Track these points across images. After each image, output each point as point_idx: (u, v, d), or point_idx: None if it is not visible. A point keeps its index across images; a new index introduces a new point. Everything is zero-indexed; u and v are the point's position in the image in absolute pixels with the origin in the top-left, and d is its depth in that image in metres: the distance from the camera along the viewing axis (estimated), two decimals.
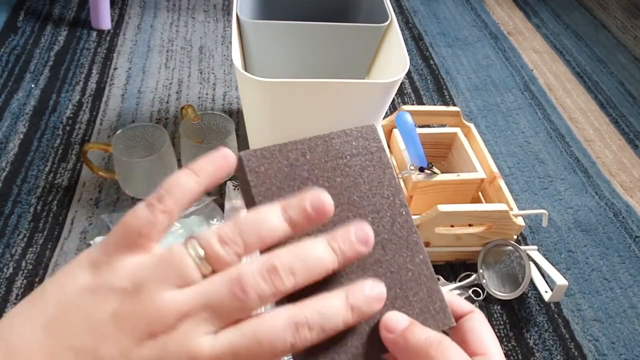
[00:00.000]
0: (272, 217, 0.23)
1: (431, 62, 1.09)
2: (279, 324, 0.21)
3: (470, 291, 0.66)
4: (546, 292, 0.63)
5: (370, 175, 0.29)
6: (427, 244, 0.67)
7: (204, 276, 0.22)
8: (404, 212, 0.29)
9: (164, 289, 0.21)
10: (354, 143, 0.29)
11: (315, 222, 0.23)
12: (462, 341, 0.26)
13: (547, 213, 0.67)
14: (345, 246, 0.23)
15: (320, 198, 0.23)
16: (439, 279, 0.67)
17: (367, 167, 0.29)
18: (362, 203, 0.28)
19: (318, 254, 0.22)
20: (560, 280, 0.60)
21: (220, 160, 0.24)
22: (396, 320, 0.25)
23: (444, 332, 0.27)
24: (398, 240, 0.28)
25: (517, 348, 0.63)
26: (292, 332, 0.21)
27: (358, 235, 0.23)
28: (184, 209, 0.24)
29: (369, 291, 0.23)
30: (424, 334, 0.24)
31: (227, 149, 0.25)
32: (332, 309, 0.22)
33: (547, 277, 0.67)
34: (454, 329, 0.28)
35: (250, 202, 0.27)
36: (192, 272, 0.21)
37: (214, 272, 0.22)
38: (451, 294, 0.28)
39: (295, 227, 0.23)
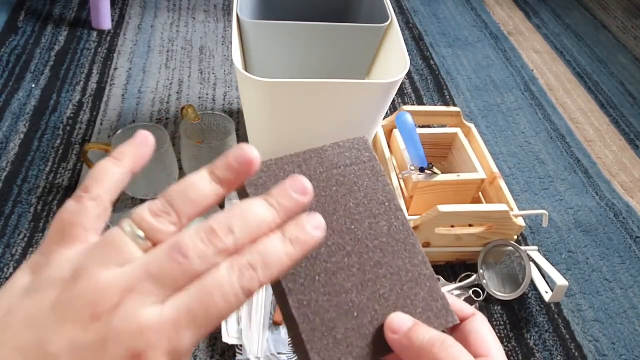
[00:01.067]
0: (199, 180, 0.23)
1: (431, 62, 1.09)
2: (223, 272, 0.20)
3: (470, 292, 0.66)
4: (547, 292, 0.63)
5: (364, 183, 0.30)
6: (427, 245, 0.67)
7: (145, 252, 0.21)
8: (400, 216, 0.30)
9: (104, 270, 0.20)
10: (346, 154, 0.31)
11: (243, 174, 0.23)
12: (465, 343, 0.26)
13: (547, 213, 0.67)
14: (283, 199, 0.23)
15: (243, 149, 0.23)
16: (439, 279, 0.67)
17: (361, 175, 0.30)
18: (359, 209, 0.29)
19: (255, 210, 0.22)
20: (560, 280, 0.60)
21: (139, 141, 0.24)
22: (400, 321, 0.26)
23: (448, 332, 0.27)
24: (396, 243, 0.29)
25: (517, 349, 0.63)
26: (238, 276, 0.20)
27: (295, 187, 0.23)
28: (115, 194, 0.24)
29: (306, 222, 0.23)
30: (427, 334, 0.25)
31: (145, 132, 0.25)
32: (271, 245, 0.22)
33: (547, 278, 0.67)
34: (456, 331, 0.28)
35: None
36: (130, 248, 0.21)
37: (154, 246, 0.21)
38: (453, 297, 0.29)
39: (224, 184, 0.23)
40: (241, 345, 0.56)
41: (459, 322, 0.28)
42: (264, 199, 0.23)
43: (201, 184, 0.23)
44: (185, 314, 0.20)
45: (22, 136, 0.80)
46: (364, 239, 0.28)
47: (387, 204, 0.30)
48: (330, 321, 0.26)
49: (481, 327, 0.27)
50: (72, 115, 0.85)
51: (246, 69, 0.76)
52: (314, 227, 0.23)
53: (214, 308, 0.20)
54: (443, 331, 0.26)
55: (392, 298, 0.27)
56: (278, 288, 0.26)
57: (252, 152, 0.23)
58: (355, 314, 0.26)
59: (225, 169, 0.23)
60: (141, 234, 0.21)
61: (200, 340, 0.21)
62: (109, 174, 0.23)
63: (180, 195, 0.22)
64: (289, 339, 0.58)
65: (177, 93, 0.92)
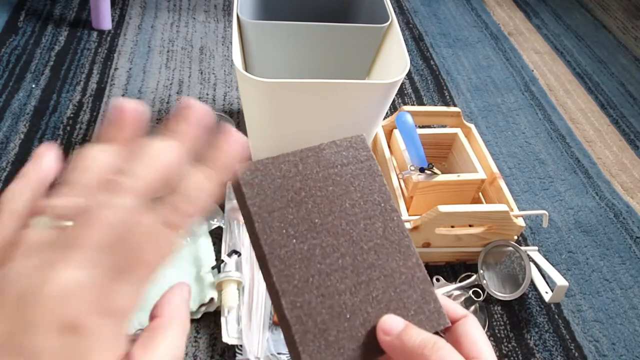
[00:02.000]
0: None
1: (432, 62, 1.09)
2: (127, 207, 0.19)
3: (470, 292, 0.66)
4: (546, 292, 0.63)
5: (361, 183, 0.30)
6: (427, 245, 0.67)
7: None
8: (395, 217, 0.29)
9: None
10: (344, 153, 0.30)
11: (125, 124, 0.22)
12: (456, 345, 0.27)
13: (547, 214, 0.67)
14: (183, 126, 0.22)
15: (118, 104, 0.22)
16: (438, 280, 0.67)
17: (358, 175, 0.30)
18: (354, 210, 0.29)
19: (155, 147, 0.21)
20: (560, 281, 0.60)
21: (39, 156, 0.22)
22: (392, 323, 0.26)
23: (440, 334, 0.27)
24: (390, 245, 0.29)
25: (517, 349, 0.62)
26: (155, 211, 0.20)
27: (195, 114, 0.22)
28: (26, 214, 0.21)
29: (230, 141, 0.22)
30: (419, 336, 0.25)
31: (46, 147, 0.23)
32: (184, 173, 0.21)
33: (547, 278, 0.67)
34: (448, 333, 0.28)
35: (246, 214, 0.28)
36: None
37: None
38: (445, 298, 0.29)
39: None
40: (241, 345, 0.56)
41: (450, 324, 0.28)
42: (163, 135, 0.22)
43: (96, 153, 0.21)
44: (107, 267, 0.18)
45: (22, 136, 0.80)
46: (358, 240, 0.28)
47: (382, 204, 0.30)
48: (323, 323, 0.26)
49: (472, 329, 0.27)
50: (72, 115, 0.85)
51: (246, 69, 0.76)
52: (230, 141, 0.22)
53: (137, 250, 0.19)
54: (435, 333, 0.26)
55: (385, 300, 0.27)
56: (272, 289, 0.26)
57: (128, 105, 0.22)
58: (348, 316, 0.26)
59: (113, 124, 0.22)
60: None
61: (145, 289, 0.20)
62: (17, 195, 0.21)
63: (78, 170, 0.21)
64: None
65: (177, 93, 0.92)
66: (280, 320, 0.27)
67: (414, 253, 0.29)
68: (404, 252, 0.29)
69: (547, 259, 0.67)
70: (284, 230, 0.27)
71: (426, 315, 0.28)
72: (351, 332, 0.26)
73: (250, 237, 0.28)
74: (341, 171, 0.30)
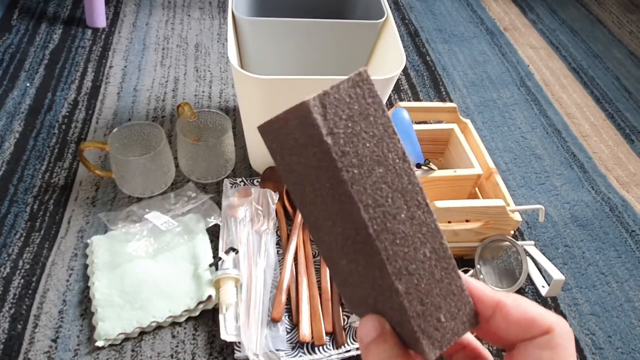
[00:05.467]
0: None
1: (427, 58, 1.09)
2: None
3: None
4: (543, 287, 0.63)
5: (374, 137, 0.23)
6: None
7: None
8: (418, 186, 0.24)
9: None
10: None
11: None
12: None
13: (543, 208, 0.68)
14: None
15: None
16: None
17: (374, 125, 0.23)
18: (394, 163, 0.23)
19: None
20: (557, 275, 0.60)
21: None
22: (366, 331, 0.23)
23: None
24: (415, 231, 0.24)
25: None
26: None
27: None
28: None
29: None
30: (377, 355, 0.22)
31: None
32: None
33: (544, 272, 0.67)
34: (511, 354, 0.22)
35: (314, 145, 0.22)
36: None
37: None
38: (527, 305, 0.23)
39: None
40: (239, 342, 0.56)
41: (479, 324, 0.23)
42: None
43: None
44: None
45: (17, 135, 0.80)
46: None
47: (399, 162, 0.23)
48: (429, 295, 0.23)
49: (543, 356, 0.21)
50: (67, 113, 0.85)
51: (242, 66, 0.76)
52: None
53: None
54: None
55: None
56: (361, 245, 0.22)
57: None
58: (440, 290, 0.23)
59: None
60: None
61: None
62: None
63: None
64: (293, 334, 0.58)
65: (173, 91, 0.91)
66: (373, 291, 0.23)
67: (443, 249, 0.24)
68: (432, 243, 0.24)
69: (543, 253, 0.67)
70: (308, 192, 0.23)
71: (452, 311, 0.24)
72: (362, 301, 0.24)
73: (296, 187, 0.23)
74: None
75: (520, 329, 0.21)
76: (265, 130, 0.25)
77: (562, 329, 0.20)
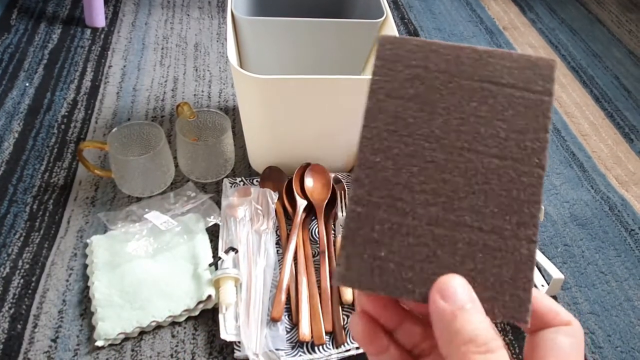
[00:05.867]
0: None
1: None
2: None
3: None
4: (543, 286, 0.63)
5: (516, 116, 0.23)
6: None
7: None
8: (535, 174, 0.23)
9: None
10: (515, 72, 0.24)
11: None
12: (532, 351, 0.22)
13: (543, 207, 0.68)
14: None
15: None
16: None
17: (518, 105, 0.23)
18: (488, 142, 0.23)
19: None
20: (556, 274, 0.61)
21: None
22: (458, 291, 0.21)
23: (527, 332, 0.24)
24: (509, 201, 0.23)
25: (514, 342, 0.63)
26: None
27: None
28: None
29: None
30: (477, 325, 0.20)
31: None
32: None
33: (543, 271, 0.67)
34: (534, 335, 0.23)
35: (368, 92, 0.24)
36: None
37: None
38: (550, 300, 0.24)
39: None
40: (239, 342, 0.56)
41: (527, 324, 0.22)
42: None
43: None
44: None
45: (16, 135, 0.80)
46: (472, 175, 0.23)
47: (529, 151, 0.23)
48: (381, 233, 0.23)
49: (562, 339, 0.22)
50: (66, 113, 0.85)
51: (241, 66, 0.76)
52: None
53: None
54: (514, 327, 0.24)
55: (465, 255, 0.22)
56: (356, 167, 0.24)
57: None
58: (411, 242, 0.23)
59: None
60: None
61: None
62: None
63: None
64: (292, 323, 0.58)
65: (172, 90, 0.91)
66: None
67: (533, 225, 0.22)
68: (521, 217, 0.22)
69: (543, 253, 0.67)
70: (394, 122, 0.23)
71: (503, 299, 0.22)
72: (403, 262, 0.22)
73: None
74: (499, 91, 0.24)
75: (545, 317, 0.23)
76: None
77: (578, 325, 0.23)
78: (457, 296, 0.21)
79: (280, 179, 0.73)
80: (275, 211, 0.70)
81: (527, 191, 0.23)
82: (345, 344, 0.57)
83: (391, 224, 0.23)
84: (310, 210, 0.71)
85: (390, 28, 0.70)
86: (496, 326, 0.64)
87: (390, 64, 0.24)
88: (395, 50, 0.24)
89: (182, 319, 0.59)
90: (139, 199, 0.72)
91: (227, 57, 0.88)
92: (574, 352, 0.21)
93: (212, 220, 0.68)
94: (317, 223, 0.69)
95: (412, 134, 0.23)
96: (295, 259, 0.65)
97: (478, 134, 0.23)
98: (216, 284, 0.60)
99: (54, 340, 0.57)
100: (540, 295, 0.23)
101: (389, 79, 0.24)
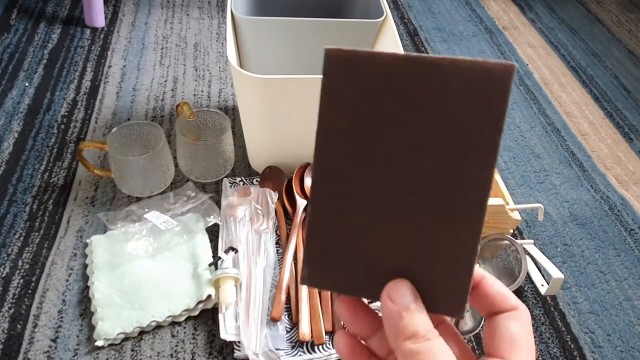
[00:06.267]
0: None
1: None
2: None
3: None
4: (542, 285, 0.63)
5: (466, 121, 0.23)
6: None
7: None
8: (490, 160, 0.23)
9: None
10: (468, 81, 0.23)
11: None
12: (489, 338, 0.24)
13: (542, 207, 0.68)
14: None
15: None
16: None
17: (469, 112, 0.23)
18: (435, 143, 0.23)
19: None
20: (556, 273, 0.61)
21: None
22: (403, 294, 0.24)
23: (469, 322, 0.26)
24: (451, 200, 0.23)
25: None
26: None
27: None
28: None
29: None
30: (419, 323, 0.23)
31: None
32: None
33: (543, 271, 0.67)
34: (488, 322, 0.25)
35: (320, 107, 0.25)
36: None
37: None
38: (502, 285, 0.26)
39: None
40: (239, 342, 0.56)
41: (460, 316, 0.24)
42: None
43: None
44: None
45: (16, 135, 0.80)
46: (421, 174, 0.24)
47: (479, 145, 0.23)
48: (336, 239, 0.24)
49: (513, 325, 0.24)
50: (66, 113, 0.85)
51: (241, 66, 0.76)
52: None
53: None
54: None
55: (409, 250, 0.24)
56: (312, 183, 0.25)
57: None
58: (359, 244, 0.24)
59: None
60: None
61: None
62: None
63: None
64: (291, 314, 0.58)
65: (172, 90, 0.91)
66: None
67: (479, 216, 0.23)
68: (466, 210, 0.23)
69: (542, 252, 0.67)
70: (349, 135, 0.24)
71: (443, 296, 0.24)
72: (354, 263, 0.24)
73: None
74: (450, 100, 0.23)
75: (494, 302, 0.25)
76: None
77: (524, 308, 0.25)
78: (404, 299, 0.24)
79: (280, 179, 0.73)
80: (275, 211, 0.70)
81: (473, 189, 0.23)
82: None
83: (340, 228, 0.24)
84: None
85: (390, 28, 0.70)
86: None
87: (341, 77, 0.24)
88: (347, 63, 0.25)
89: (182, 318, 0.59)
90: (138, 199, 0.72)
91: (226, 57, 0.87)
92: (524, 336, 0.24)
93: (212, 220, 0.68)
94: None
95: (364, 143, 0.24)
96: (295, 258, 0.65)
97: (426, 137, 0.23)
98: (216, 283, 0.60)
99: (54, 340, 0.57)
100: (491, 280, 0.25)
101: (340, 92, 0.24)
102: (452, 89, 0.23)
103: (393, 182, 0.24)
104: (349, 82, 0.24)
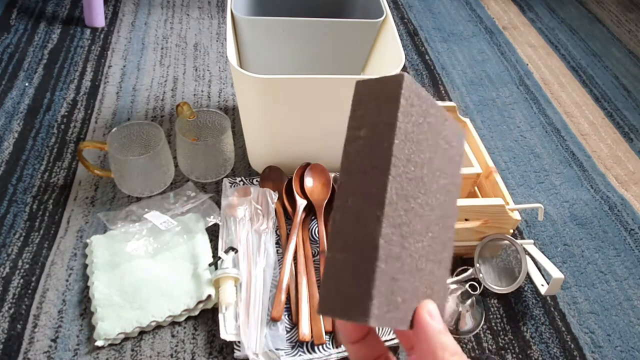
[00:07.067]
0: None
1: (427, 57, 1.09)
2: None
3: (467, 285, 0.66)
4: (542, 285, 0.63)
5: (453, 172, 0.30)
6: None
7: None
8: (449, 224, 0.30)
9: None
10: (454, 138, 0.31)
11: None
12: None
13: (542, 207, 0.68)
14: None
15: None
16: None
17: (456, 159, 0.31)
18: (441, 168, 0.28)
19: None
20: (556, 273, 0.61)
21: None
22: (435, 310, 0.27)
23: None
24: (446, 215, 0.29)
25: (514, 341, 0.63)
26: None
27: None
28: None
29: None
30: (448, 338, 0.26)
31: None
32: None
33: (543, 271, 0.67)
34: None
35: (382, 135, 0.25)
36: None
37: None
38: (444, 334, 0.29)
39: None
40: (239, 342, 0.56)
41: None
42: None
43: None
44: None
45: (16, 135, 0.80)
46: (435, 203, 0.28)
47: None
48: (400, 273, 0.25)
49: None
50: (66, 113, 0.85)
51: (241, 66, 0.76)
52: None
53: None
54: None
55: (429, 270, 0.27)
56: (368, 210, 0.24)
57: None
58: (410, 278, 0.26)
59: None
60: None
61: None
62: None
63: None
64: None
65: (172, 90, 0.91)
66: (349, 247, 0.24)
67: (448, 256, 0.30)
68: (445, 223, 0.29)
69: (542, 252, 0.67)
70: (406, 162, 0.25)
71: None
72: (405, 294, 0.25)
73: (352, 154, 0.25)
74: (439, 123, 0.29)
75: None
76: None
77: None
78: (439, 317, 0.27)
79: (280, 179, 0.73)
80: (275, 211, 0.70)
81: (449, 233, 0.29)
82: None
83: (403, 261, 0.25)
84: (310, 210, 0.71)
85: (390, 28, 0.70)
86: (497, 326, 0.64)
87: (409, 106, 0.25)
88: (412, 90, 0.25)
89: (182, 318, 0.59)
90: (138, 199, 0.72)
91: (226, 57, 0.87)
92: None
93: (211, 220, 0.68)
94: (317, 223, 0.69)
95: (412, 172, 0.26)
96: (295, 258, 0.65)
97: (435, 163, 0.28)
98: (216, 283, 0.60)
99: (53, 340, 0.57)
100: (442, 329, 0.27)
101: (408, 118, 0.25)
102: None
103: (412, 222, 0.26)
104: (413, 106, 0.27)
